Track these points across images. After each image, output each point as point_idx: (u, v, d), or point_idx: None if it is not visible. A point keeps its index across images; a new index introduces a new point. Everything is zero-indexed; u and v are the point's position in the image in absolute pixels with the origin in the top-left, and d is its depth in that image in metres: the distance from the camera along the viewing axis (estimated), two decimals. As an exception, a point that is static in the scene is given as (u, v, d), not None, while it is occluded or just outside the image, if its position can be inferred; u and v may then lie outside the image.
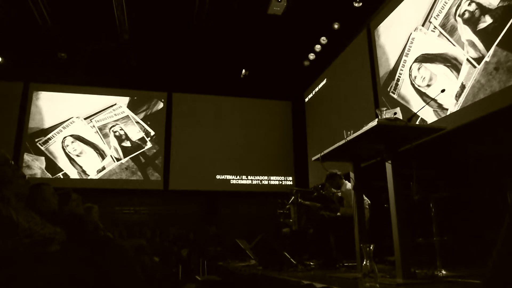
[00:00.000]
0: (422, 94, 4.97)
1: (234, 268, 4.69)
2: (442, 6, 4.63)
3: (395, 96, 5.50)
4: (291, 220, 5.36)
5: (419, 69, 5.03)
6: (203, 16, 6.54)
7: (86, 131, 8.23)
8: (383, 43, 5.90)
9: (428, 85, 4.85)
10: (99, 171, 8.05)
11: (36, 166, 7.79)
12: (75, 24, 6.83)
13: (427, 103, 4.55)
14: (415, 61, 5.11)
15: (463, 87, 4.26)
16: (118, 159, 8.21)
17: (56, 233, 2.11)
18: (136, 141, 8.42)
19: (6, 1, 6.15)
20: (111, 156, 8.20)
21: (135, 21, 6.71)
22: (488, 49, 3.94)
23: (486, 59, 3.96)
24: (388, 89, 5.67)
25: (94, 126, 8.31)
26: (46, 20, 6.39)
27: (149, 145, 8.46)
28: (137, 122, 8.56)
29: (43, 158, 7.87)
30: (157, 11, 6.62)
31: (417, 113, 4.39)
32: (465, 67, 4.26)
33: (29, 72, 7.97)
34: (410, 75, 5.20)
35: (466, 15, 4.26)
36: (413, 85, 5.13)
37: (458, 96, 4.30)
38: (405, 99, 5.28)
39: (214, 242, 6.83)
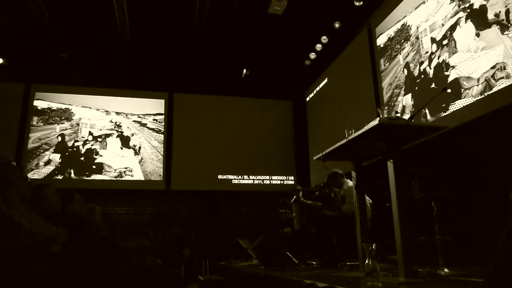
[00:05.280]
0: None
1: (236, 268, 4.69)
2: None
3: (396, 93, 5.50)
4: (293, 217, 5.36)
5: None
6: (203, 16, 6.55)
7: (88, 131, 8.25)
8: (384, 41, 5.89)
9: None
10: (100, 172, 8.07)
11: (38, 166, 7.81)
12: (76, 25, 6.84)
13: (429, 102, 4.54)
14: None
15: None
16: (119, 159, 8.22)
17: (58, 234, 2.12)
18: (137, 141, 8.44)
19: (7, 2, 6.17)
20: (112, 156, 8.21)
21: (136, 21, 6.72)
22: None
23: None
24: (390, 88, 5.66)
25: (95, 126, 8.32)
26: (47, 21, 6.41)
27: (150, 145, 8.47)
28: (139, 123, 8.57)
29: (45, 159, 7.88)
30: (158, 11, 6.63)
31: (421, 111, 4.38)
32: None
33: (30, 73, 7.99)
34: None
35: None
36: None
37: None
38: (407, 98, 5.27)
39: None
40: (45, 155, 7.91)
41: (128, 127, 8.50)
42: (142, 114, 8.66)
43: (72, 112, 8.30)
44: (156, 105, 8.77)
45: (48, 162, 7.89)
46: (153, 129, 8.60)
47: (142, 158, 8.35)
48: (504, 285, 1.01)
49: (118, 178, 8.10)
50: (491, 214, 3.47)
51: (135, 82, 8.52)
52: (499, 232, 1.07)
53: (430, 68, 4.78)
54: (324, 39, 7.29)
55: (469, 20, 4.18)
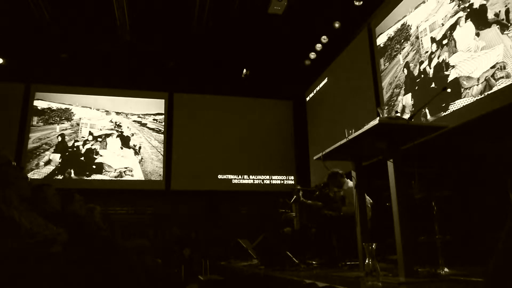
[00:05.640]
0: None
1: (236, 268, 4.69)
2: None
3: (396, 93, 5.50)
4: (293, 217, 5.36)
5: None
6: (203, 15, 6.55)
7: (88, 131, 8.25)
8: (384, 41, 5.89)
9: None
10: (100, 172, 8.07)
11: (38, 166, 7.81)
12: (76, 25, 6.84)
13: (429, 102, 4.54)
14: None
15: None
16: (119, 159, 8.22)
17: (58, 234, 2.12)
18: (137, 141, 8.44)
19: (7, 2, 6.17)
20: (112, 156, 8.21)
21: (136, 21, 6.72)
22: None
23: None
24: (390, 88, 5.66)
25: (95, 126, 8.32)
26: (47, 21, 6.41)
27: (150, 145, 8.47)
28: (139, 123, 8.57)
29: (45, 159, 7.88)
30: (158, 11, 6.63)
31: (421, 111, 4.38)
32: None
33: (30, 73, 7.99)
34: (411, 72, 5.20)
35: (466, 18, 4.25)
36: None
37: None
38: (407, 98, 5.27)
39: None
40: (45, 155, 7.91)
41: (128, 127, 8.50)
42: (142, 114, 8.66)
43: (72, 112, 8.30)
44: (156, 105, 8.77)
45: (48, 162, 7.89)
46: (153, 129, 8.60)
47: (142, 158, 8.35)
48: (504, 285, 1.01)
49: (118, 178, 8.10)
50: (491, 214, 3.47)
51: (135, 82, 8.52)
52: (499, 232, 1.07)
53: (430, 68, 4.78)
54: (324, 39, 7.29)
55: (469, 19, 4.18)
